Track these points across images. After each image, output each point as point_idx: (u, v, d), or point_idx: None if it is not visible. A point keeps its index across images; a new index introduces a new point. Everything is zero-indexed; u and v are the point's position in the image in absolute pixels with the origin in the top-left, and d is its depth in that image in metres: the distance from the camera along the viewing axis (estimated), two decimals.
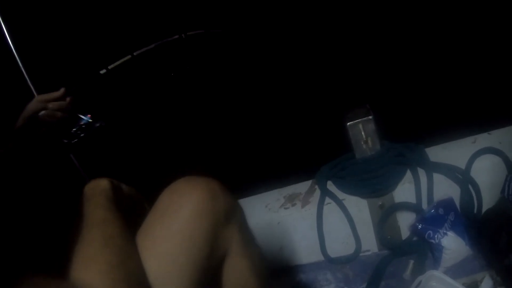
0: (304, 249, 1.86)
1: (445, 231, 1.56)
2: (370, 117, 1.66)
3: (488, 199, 1.65)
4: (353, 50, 3.17)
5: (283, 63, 3.35)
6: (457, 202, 1.65)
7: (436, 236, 1.57)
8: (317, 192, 1.86)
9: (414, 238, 1.73)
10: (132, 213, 1.13)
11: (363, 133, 1.68)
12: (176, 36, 3.23)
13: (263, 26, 3.30)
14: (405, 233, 1.76)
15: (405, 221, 1.74)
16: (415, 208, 1.69)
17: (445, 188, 1.67)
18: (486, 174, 1.66)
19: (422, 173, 1.69)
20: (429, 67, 2.93)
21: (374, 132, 1.68)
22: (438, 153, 1.77)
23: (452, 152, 1.76)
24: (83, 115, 1.59)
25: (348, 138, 1.71)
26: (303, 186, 1.97)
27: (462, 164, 1.67)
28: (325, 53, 3.25)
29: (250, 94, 3.34)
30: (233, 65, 3.38)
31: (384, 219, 1.73)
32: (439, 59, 2.92)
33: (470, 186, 1.65)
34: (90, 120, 1.59)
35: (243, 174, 2.80)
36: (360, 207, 1.77)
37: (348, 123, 1.67)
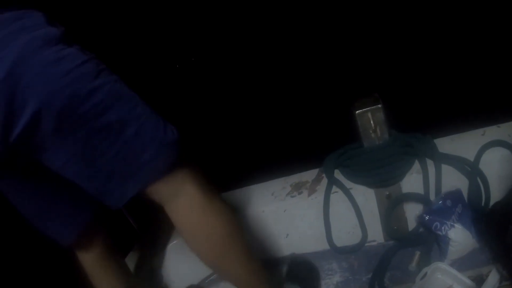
0: (310, 238, 1.85)
1: (452, 223, 1.55)
2: (379, 105, 1.64)
3: (496, 193, 1.64)
4: (363, 38, 3.14)
5: (293, 49, 3.32)
6: (464, 195, 1.63)
7: (443, 227, 1.55)
8: (324, 181, 1.85)
9: (421, 230, 1.72)
10: None
11: (372, 122, 1.65)
12: None
13: (272, 11, 3.26)
14: (411, 224, 1.75)
15: (412, 212, 1.72)
16: (422, 199, 1.67)
17: (453, 180, 1.65)
18: (495, 167, 1.64)
19: (430, 164, 1.67)
20: (440, 58, 2.90)
21: (383, 121, 1.66)
22: (446, 144, 1.75)
23: (460, 144, 1.74)
24: None
25: (356, 127, 1.68)
26: (310, 175, 1.96)
27: (470, 156, 1.65)
28: (336, 40, 3.21)
29: (258, 80, 3.31)
30: (241, 50, 3.36)
31: (391, 210, 1.71)
32: (452, 50, 2.89)
33: (478, 179, 1.63)
34: None
35: (249, 162, 2.80)
36: (367, 197, 1.75)
37: (357, 112, 1.65)
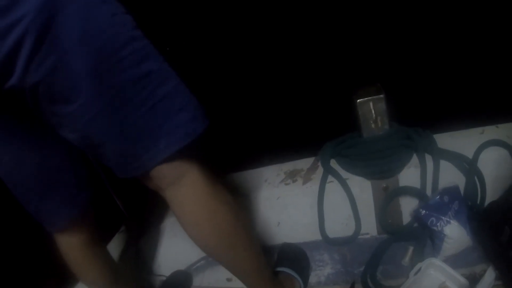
0: (302, 227, 1.83)
1: (448, 219, 1.53)
2: (382, 95, 1.61)
3: (492, 192, 1.62)
4: (368, 28, 3.13)
5: (293, 36, 3.30)
6: (461, 191, 1.62)
7: (439, 223, 1.54)
8: (320, 170, 1.82)
9: (415, 224, 1.70)
10: None
11: (373, 111, 1.63)
12: None
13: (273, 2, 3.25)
14: (406, 218, 1.73)
15: (407, 206, 1.71)
16: (419, 193, 1.66)
17: (450, 176, 1.64)
18: (492, 166, 1.63)
19: (428, 159, 1.65)
20: (447, 55, 2.90)
21: (384, 112, 1.64)
22: (445, 140, 1.73)
23: (459, 141, 1.72)
24: None
25: (356, 116, 1.66)
26: (305, 163, 1.93)
27: (469, 154, 1.63)
28: (339, 28, 3.20)
29: (254, 65, 3.29)
30: (238, 36, 3.34)
31: (386, 202, 1.69)
32: (457, 48, 2.90)
33: (475, 177, 1.62)
34: None
35: (244, 147, 2.77)
36: (363, 188, 1.73)
37: (358, 100, 1.62)
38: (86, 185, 1.31)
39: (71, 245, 1.37)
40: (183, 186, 1.04)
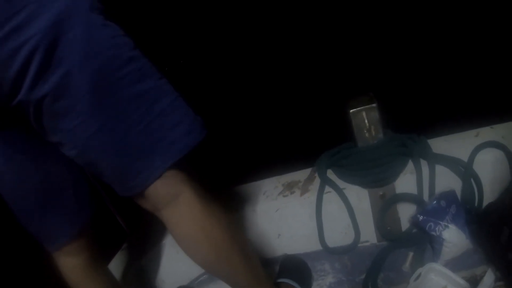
0: (302, 238, 1.83)
1: (446, 224, 1.54)
2: (374, 105, 1.63)
3: (490, 193, 1.63)
4: (358, 37, 3.14)
5: (286, 47, 3.31)
6: (458, 195, 1.63)
7: (437, 228, 1.55)
8: (317, 180, 1.83)
9: (414, 230, 1.71)
10: None
11: (366, 121, 1.64)
12: None
13: (265, 10, 3.25)
14: (405, 224, 1.74)
15: (405, 213, 1.72)
16: (416, 199, 1.67)
17: (447, 181, 1.65)
18: (488, 168, 1.64)
19: (424, 164, 1.66)
20: (436, 59, 2.91)
21: (377, 121, 1.65)
22: (440, 145, 1.74)
23: (454, 145, 1.73)
24: None
25: (350, 126, 1.67)
26: (302, 174, 1.93)
27: (464, 157, 1.64)
28: (330, 38, 3.21)
29: (251, 79, 3.30)
30: (233, 49, 3.34)
31: (384, 210, 1.70)
32: (446, 52, 2.90)
33: (472, 180, 1.63)
34: None
35: (241, 161, 2.78)
36: (360, 197, 1.74)
37: (351, 110, 1.63)
38: (87, 203, 1.33)
39: (72, 266, 1.37)
40: (178, 206, 1.05)
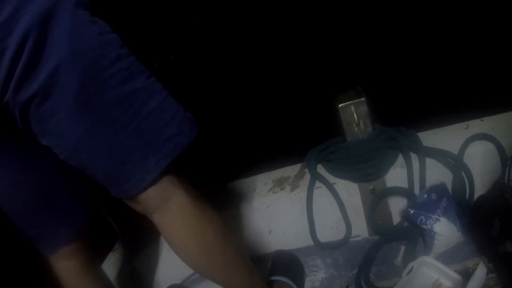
0: (294, 234, 1.83)
1: (437, 217, 1.54)
2: (363, 99, 1.62)
3: (480, 186, 1.63)
4: (345, 31, 3.13)
5: (273, 43, 3.29)
6: (449, 188, 1.63)
7: (428, 221, 1.54)
8: (307, 176, 1.82)
9: (405, 224, 1.70)
10: None
11: (355, 115, 1.63)
12: None
13: (254, 5, 3.24)
14: (396, 218, 1.73)
15: (396, 206, 1.71)
16: (407, 193, 1.66)
17: (437, 174, 1.64)
18: (479, 160, 1.64)
19: (414, 158, 1.66)
20: (424, 51, 2.90)
21: (366, 115, 1.64)
22: (430, 138, 1.74)
23: (444, 138, 1.73)
24: None
25: (339, 121, 1.66)
26: (291, 170, 1.93)
27: (454, 150, 1.64)
28: (317, 33, 3.20)
29: (237, 74, 3.28)
30: (220, 45, 3.33)
31: (375, 204, 1.70)
32: (435, 45, 2.90)
33: (462, 172, 1.63)
34: None
35: (230, 158, 2.77)
36: (350, 192, 1.73)
37: (340, 105, 1.63)
38: (83, 205, 1.32)
39: (67, 269, 1.36)
40: (170, 209, 1.04)
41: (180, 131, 0.98)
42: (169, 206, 1.03)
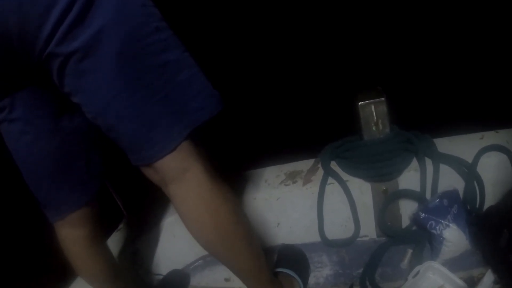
0: (302, 228, 1.83)
1: (447, 223, 1.54)
2: (383, 98, 1.62)
3: (492, 196, 1.63)
4: (370, 31, 3.13)
5: (296, 37, 3.30)
6: (460, 195, 1.63)
7: (438, 227, 1.54)
8: (320, 171, 1.82)
9: (414, 228, 1.70)
10: None
11: (374, 114, 1.63)
12: None
13: (276, 3, 3.25)
14: (405, 221, 1.73)
15: (406, 209, 1.71)
16: (418, 196, 1.66)
17: (450, 180, 1.64)
18: (491, 171, 1.64)
19: (428, 163, 1.66)
20: (449, 60, 2.91)
21: (385, 115, 1.64)
22: (445, 144, 1.74)
23: (459, 146, 1.73)
24: None
25: (358, 119, 1.66)
26: (305, 164, 1.93)
27: (468, 159, 1.64)
28: (341, 30, 3.20)
29: (256, 66, 3.28)
30: (241, 39, 3.33)
31: (386, 205, 1.70)
32: (458, 54, 2.90)
33: (474, 181, 1.63)
34: None
35: (244, 148, 2.76)
36: (363, 190, 1.73)
37: (360, 103, 1.63)
38: (97, 174, 1.33)
39: (73, 239, 1.37)
40: (187, 181, 1.05)
41: (204, 105, 1.03)
42: (186, 178, 1.04)
